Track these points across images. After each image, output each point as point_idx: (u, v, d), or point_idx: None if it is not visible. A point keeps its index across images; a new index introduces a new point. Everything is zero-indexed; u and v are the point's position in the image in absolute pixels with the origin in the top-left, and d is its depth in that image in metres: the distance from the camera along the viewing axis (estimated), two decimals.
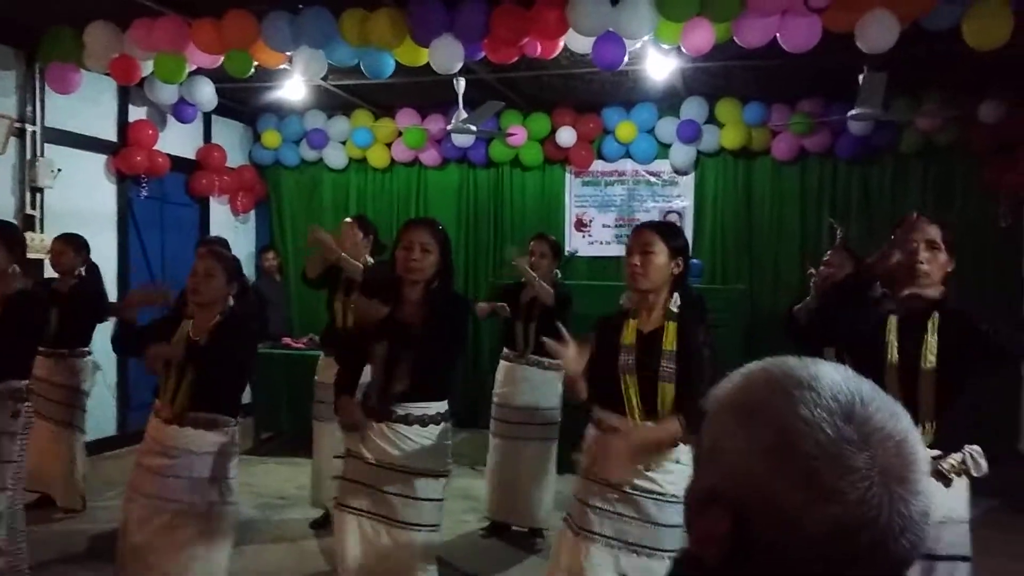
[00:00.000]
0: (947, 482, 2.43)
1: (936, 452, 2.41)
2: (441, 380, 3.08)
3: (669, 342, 2.54)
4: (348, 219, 4.73)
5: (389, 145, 7.74)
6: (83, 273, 4.79)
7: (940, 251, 2.54)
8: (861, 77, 5.20)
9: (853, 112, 5.42)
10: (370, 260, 4.51)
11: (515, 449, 4.58)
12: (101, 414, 6.06)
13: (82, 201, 6.14)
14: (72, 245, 4.78)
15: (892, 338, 2.52)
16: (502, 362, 4.73)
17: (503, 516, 4.64)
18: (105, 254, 6.33)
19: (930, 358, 2.44)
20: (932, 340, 2.46)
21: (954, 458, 2.44)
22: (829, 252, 4.11)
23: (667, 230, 2.66)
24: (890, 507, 0.70)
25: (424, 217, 3.35)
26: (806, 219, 7.11)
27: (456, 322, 3.10)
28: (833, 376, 0.76)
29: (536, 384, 4.58)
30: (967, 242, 5.55)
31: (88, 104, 6.12)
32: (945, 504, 2.37)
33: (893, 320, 2.55)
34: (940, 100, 6.30)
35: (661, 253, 2.57)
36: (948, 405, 2.43)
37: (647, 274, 2.56)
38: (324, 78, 6.31)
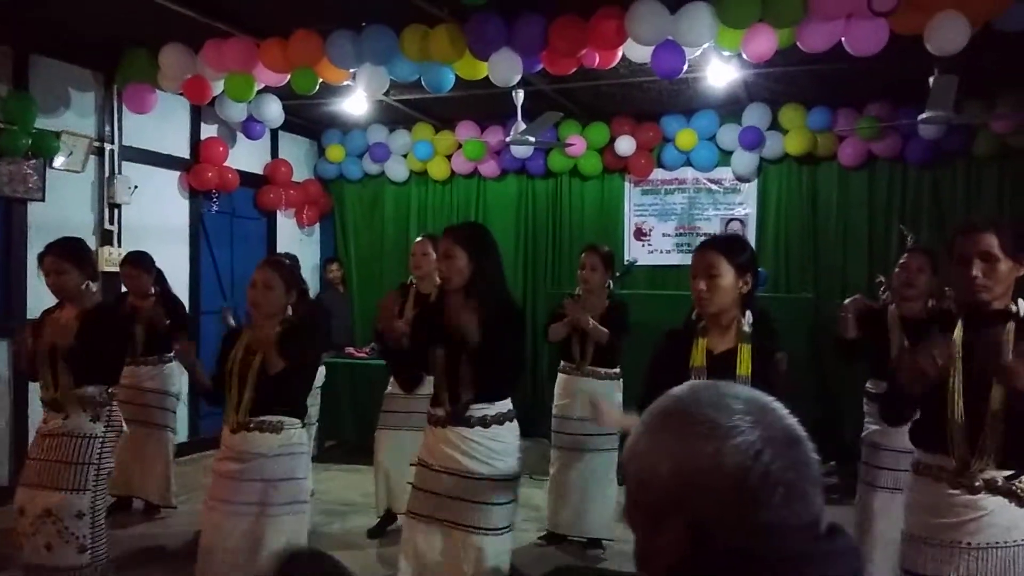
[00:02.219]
0: (1021, 502, 2.33)
1: (1009, 472, 2.32)
2: (501, 381, 3.06)
3: (744, 367, 2.44)
4: (420, 238, 4.66)
5: (449, 157, 7.85)
6: (157, 289, 4.97)
7: (1000, 261, 2.29)
8: (931, 80, 5.04)
9: (923, 116, 5.26)
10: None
11: (576, 460, 4.58)
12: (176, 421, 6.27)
13: (156, 216, 6.40)
14: (142, 267, 4.92)
15: (958, 361, 2.34)
16: (560, 375, 4.73)
17: (564, 529, 4.63)
18: (178, 267, 6.59)
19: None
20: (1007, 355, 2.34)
21: None
22: (905, 255, 3.94)
23: (731, 246, 2.54)
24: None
25: (459, 223, 3.36)
26: (874, 226, 6.93)
27: (509, 324, 3.06)
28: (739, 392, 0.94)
29: (594, 395, 4.56)
30: None
31: (163, 123, 6.39)
32: (1021, 525, 2.28)
33: (959, 331, 2.38)
34: (1015, 102, 6.06)
35: (727, 274, 2.45)
36: (1018, 422, 2.32)
37: (714, 298, 2.46)
38: (386, 93, 6.45)
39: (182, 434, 6.64)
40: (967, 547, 2.29)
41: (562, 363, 4.73)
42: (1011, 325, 2.34)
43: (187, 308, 6.59)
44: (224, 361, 3.19)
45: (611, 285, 4.72)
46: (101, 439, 3.48)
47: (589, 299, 4.49)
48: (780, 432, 0.91)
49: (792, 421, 0.93)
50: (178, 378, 5.11)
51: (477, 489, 2.94)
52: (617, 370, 4.59)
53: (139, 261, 4.94)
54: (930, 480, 2.40)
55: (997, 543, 2.28)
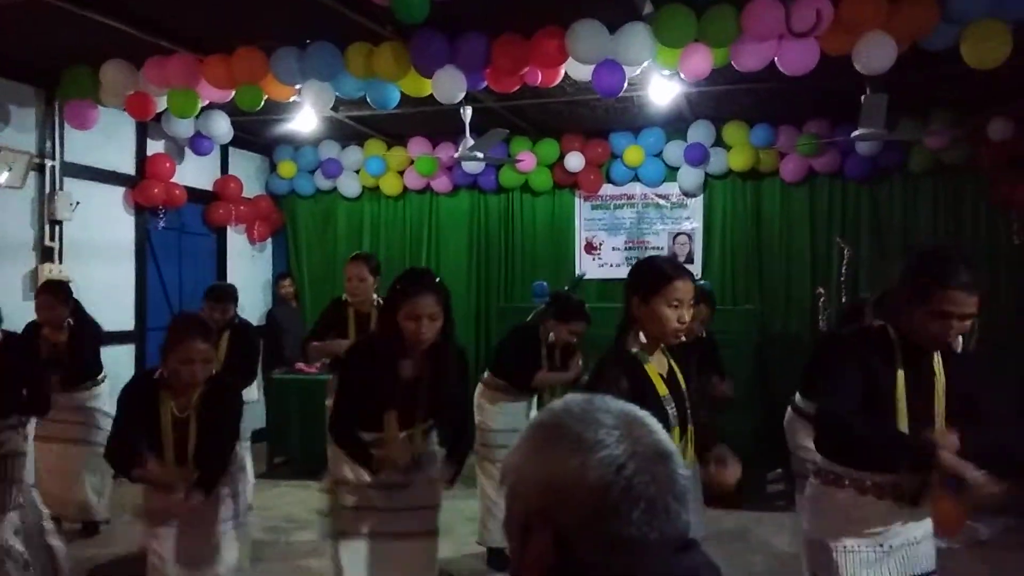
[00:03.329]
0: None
1: None
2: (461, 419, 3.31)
3: (682, 379, 2.48)
4: (354, 259, 4.50)
5: (401, 173, 7.87)
6: (71, 322, 4.74)
7: (974, 316, 2.23)
8: (863, 98, 5.21)
9: (856, 133, 5.43)
10: (378, 300, 4.43)
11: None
12: None
13: (100, 233, 6.31)
14: (59, 297, 4.68)
15: (901, 388, 2.32)
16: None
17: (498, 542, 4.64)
18: (123, 283, 6.51)
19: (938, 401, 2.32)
20: (940, 383, 2.33)
21: None
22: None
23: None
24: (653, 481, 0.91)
25: (424, 275, 3.09)
26: (816, 239, 7.11)
27: (463, 374, 3.19)
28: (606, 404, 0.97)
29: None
30: (979, 260, 5.53)
31: (107, 139, 6.31)
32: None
33: (902, 373, 2.32)
34: (948, 119, 6.29)
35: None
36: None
37: (691, 328, 2.52)
38: (336, 109, 6.46)
39: None
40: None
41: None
42: (938, 356, 2.33)
43: (132, 325, 6.55)
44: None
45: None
46: (25, 455, 3.45)
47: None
48: (646, 447, 0.93)
49: (662, 436, 0.95)
50: (109, 397, 5.02)
51: (422, 494, 3.09)
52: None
53: (55, 291, 4.70)
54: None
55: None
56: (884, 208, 6.99)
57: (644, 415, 0.98)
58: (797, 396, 4.39)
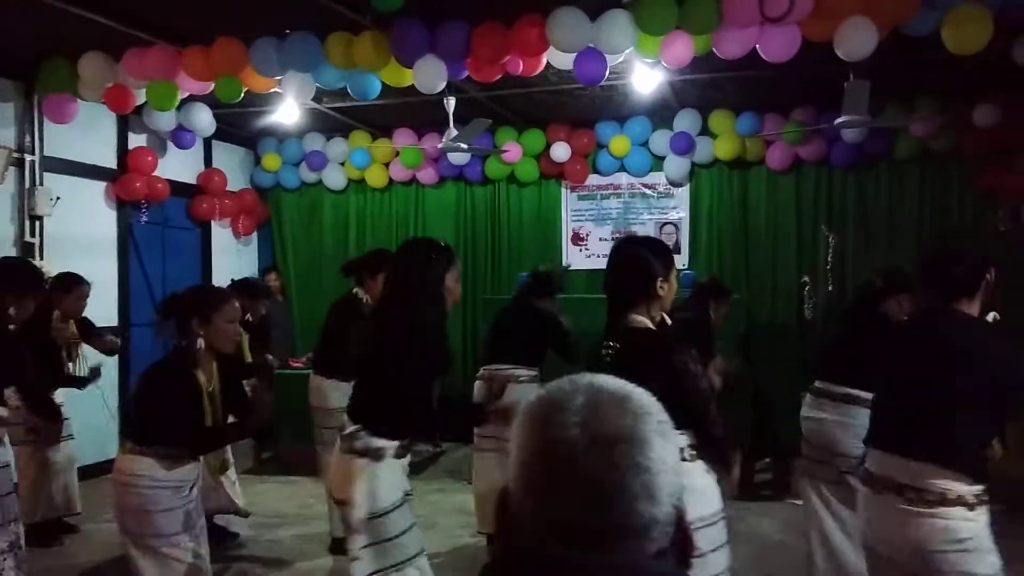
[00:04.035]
0: None
1: None
2: None
3: None
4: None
5: (387, 165, 7.83)
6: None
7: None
8: (845, 85, 5.20)
9: (839, 120, 5.41)
10: None
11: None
12: (102, 437, 6.12)
13: (82, 227, 6.25)
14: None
15: None
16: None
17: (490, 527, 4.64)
18: (106, 278, 6.44)
19: None
20: None
21: None
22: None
23: None
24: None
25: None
26: (802, 227, 7.10)
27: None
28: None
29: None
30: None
31: (87, 133, 6.25)
32: None
33: None
34: (933, 106, 6.28)
35: None
36: None
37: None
38: (320, 101, 6.42)
39: (111, 451, 6.48)
40: None
41: None
42: None
43: (116, 321, 6.50)
44: None
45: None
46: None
47: None
48: (606, 430, 0.87)
49: (627, 422, 0.88)
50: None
51: None
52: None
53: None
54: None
55: None
56: (870, 195, 6.98)
57: (618, 397, 0.92)
58: (834, 388, 3.74)
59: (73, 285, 4.66)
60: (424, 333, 2.76)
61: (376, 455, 2.70)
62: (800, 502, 4.16)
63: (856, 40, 4.26)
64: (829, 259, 6.29)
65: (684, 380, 2.30)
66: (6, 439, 3.45)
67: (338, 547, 4.58)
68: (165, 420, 2.86)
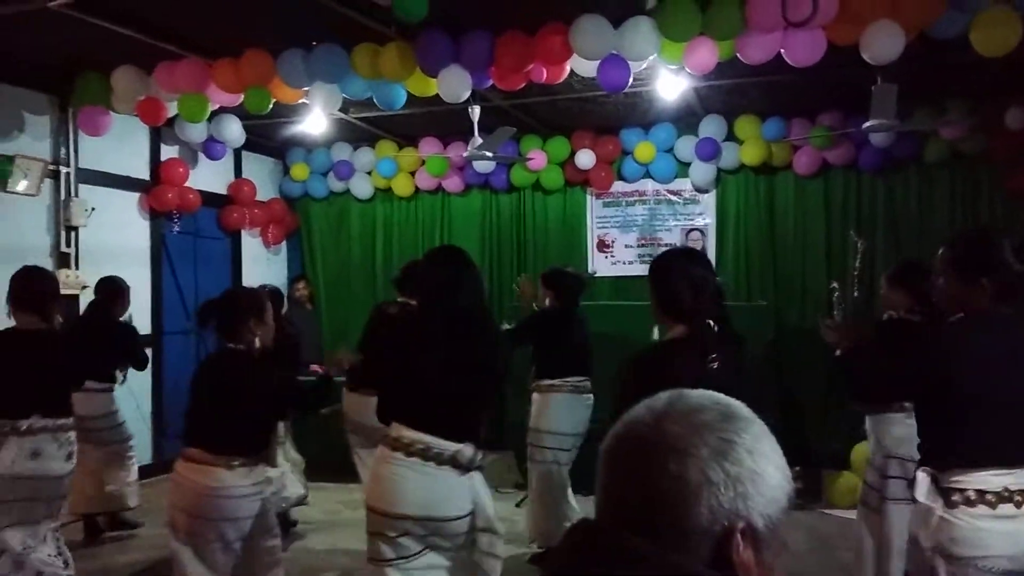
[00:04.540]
0: None
1: None
2: None
3: None
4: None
5: (413, 174, 7.90)
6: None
7: None
8: (873, 88, 5.15)
9: (867, 124, 5.36)
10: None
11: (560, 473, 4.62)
12: (137, 443, 6.23)
13: (116, 238, 6.39)
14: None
15: None
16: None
17: (546, 541, 4.62)
18: (139, 288, 6.54)
19: None
20: None
21: None
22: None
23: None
24: None
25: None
26: (831, 232, 7.03)
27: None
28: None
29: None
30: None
31: (121, 144, 6.39)
32: None
33: None
34: (963, 108, 6.19)
35: None
36: None
37: None
38: (346, 111, 6.50)
39: (145, 457, 6.60)
40: None
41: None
42: None
43: (149, 329, 6.62)
44: None
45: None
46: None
47: None
48: (656, 432, 0.91)
49: (677, 429, 0.90)
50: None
51: None
52: (557, 381, 4.62)
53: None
54: None
55: None
56: (899, 200, 6.90)
57: (685, 409, 0.98)
58: None
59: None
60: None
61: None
62: (834, 512, 4.09)
63: (883, 43, 4.22)
64: (858, 264, 6.21)
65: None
66: (74, 447, 3.55)
67: None
68: (263, 415, 3.07)
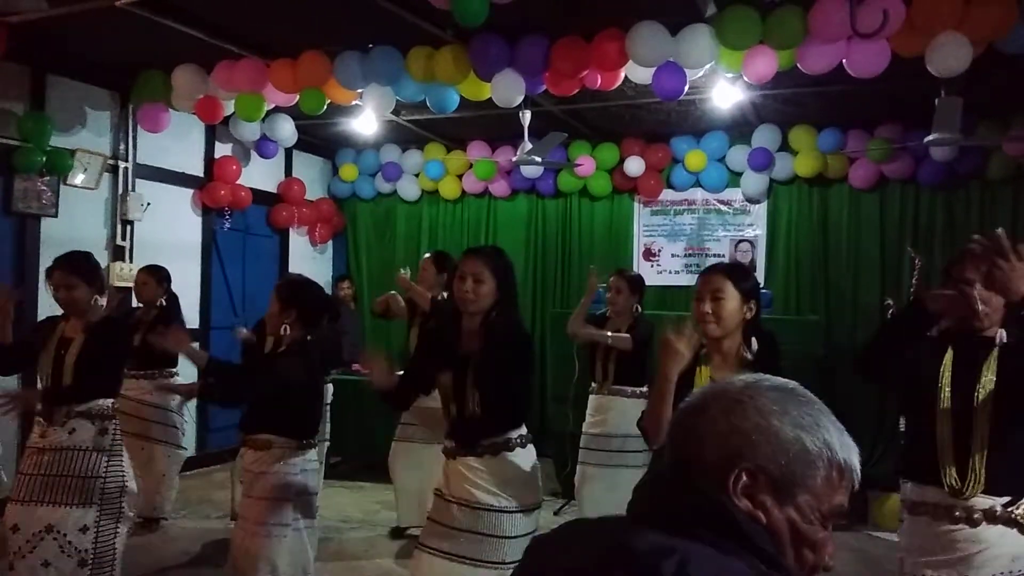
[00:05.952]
0: (1022, 529, 2.29)
1: (1006, 499, 2.28)
2: (509, 408, 2.86)
3: None
4: (427, 255, 5.10)
5: (460, 177, 7.91)
6: (164, 303, 5.06)
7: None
8: (937, 101, 5.01)
9: (930, 138, 5.21)
10: (444, 295, 4.63)
11: (606, 476, 4.62)
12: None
13: (169, 233, 6.51)
14: (155, 276, 5.07)
15: (946, 377, 2.38)
16: (590, 396, 4.85)
17: None
18: (189, 283, 6.68)
19: (983, 396, 2.31)
20: (988, 379, 2.32)
21: None
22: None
23: (736, 272, 2.55)
24: None
25: (484, 246, 3.18)
26: (886, 248, 6.86)
27: (516, 350, 2.88)
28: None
29: (625, 413, 4.59)
30: None
31: (177, 142, 6.51)
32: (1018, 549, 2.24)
33: (950, 356, 2.41)
34: None
35: (732, 298, 2.46)
36: (1007, 445, 2.28)
37: (718, 321, 2.46)
38: (397, 113, 6.53)
39: (189, 449, 6.69)
40: None
41: (591, 384, 4.85)
42: (995, 352, 2.36)
43: (197, 323, 6.72)
44: None
45: (639, 309, 4.84)
46: (108, 452, 3.50)
47: (616, 320, 4.74)
48: (730, 389, 1.09)
49: (709, 397, 1.08)
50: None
51: (488, 521, 2.76)
52: (645, 388, 4.58)
53: (152, 270, 5.11)
54: (928, 519, 2.37)
55: (1002, 574, 2.25)
56: (959, 216, 6.70)
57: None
58: None
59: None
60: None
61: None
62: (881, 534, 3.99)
63: (949, 56, 4.10)
64: (914, 281, 6.06)
65: None
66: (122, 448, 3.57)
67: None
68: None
